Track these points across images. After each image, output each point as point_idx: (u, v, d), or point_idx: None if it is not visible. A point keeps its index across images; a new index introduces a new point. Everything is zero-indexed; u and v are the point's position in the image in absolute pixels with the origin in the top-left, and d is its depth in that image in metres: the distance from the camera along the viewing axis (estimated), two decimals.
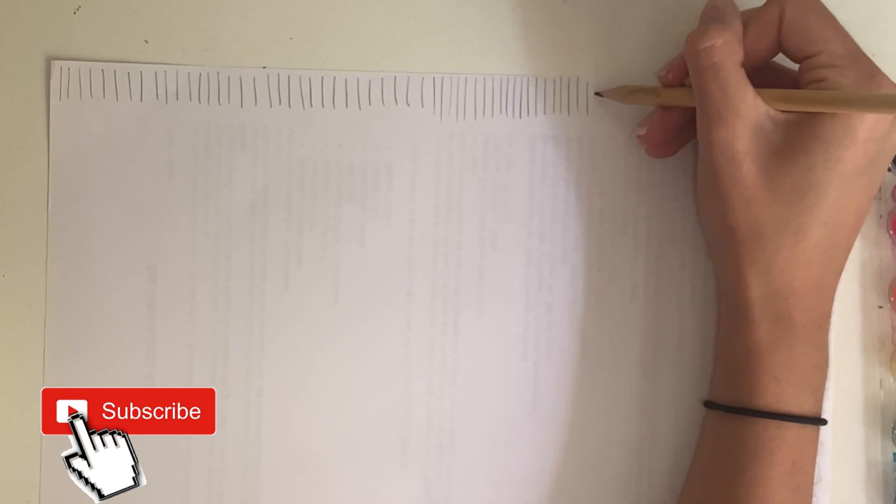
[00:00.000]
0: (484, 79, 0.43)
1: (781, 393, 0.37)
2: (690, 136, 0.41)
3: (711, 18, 0.38)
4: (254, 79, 0.43)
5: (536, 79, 0.43)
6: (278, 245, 0.42)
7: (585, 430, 0.42)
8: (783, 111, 0.37)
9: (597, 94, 0.43)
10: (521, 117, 0.43)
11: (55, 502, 0.42)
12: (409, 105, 0.43)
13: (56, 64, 0.42)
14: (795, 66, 0.39)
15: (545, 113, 0.43)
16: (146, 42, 0.43)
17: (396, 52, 0.43)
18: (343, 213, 0.42)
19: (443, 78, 0.43)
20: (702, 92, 0.37)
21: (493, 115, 0.43)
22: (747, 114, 0.36)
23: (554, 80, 0.43)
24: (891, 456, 0.42)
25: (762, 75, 0.38)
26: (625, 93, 0.42)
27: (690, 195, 0.43)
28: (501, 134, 0.43)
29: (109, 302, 0.42)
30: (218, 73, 0.42)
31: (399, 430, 0.42)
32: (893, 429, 0.42)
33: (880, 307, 0.42)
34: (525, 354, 0.43)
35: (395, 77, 0.43)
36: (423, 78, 0.43)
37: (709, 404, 0.40)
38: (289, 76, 0.43)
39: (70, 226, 0.42)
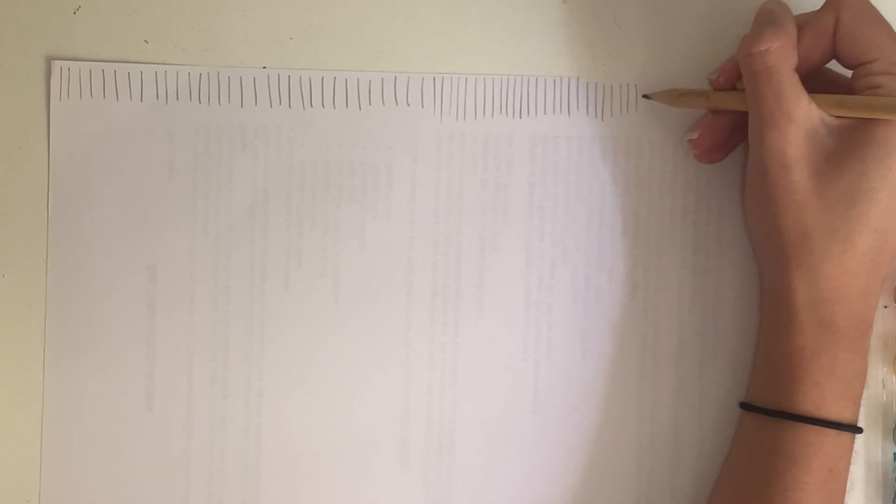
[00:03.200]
0: (484, 79, 0.43)
1: (822, 399, 0.37)
2: (740, 140, 0.41)
3: (766, 22, 0.38)
4: (254, 79, 0.42)
5: (536, 79, 0.43)
6: (278, 245, 0.42)
7: (585, 430, 0.42)
8: (837, 117, 0.37)
9: (644, 96, 0.42)
10: (521, 117, 0.43)
11: (55, 502, 0.42)
12: (409, 105, 0.43)
13: (56, 64, 0.42)
14: (848, 73, 0.39)
15: (545, 113, 0.43)
16: (146, 42, 0.43)
17: (396, 52, 0.43)
18: (343, 213, 0.42)
19: (443, 78, 0.43)
20: (755, 96, 0.37)
21: (493, 115, 0.43)
22: (800, 119, 0.36)
23: (554, 81, 0.43)
24: (891, 456, 0.42)
25: (814, 80, 0.38)
26: (674, 96, 0.41)
27: (690, 195, 0.43)
28: (501, 134, 0.43)
29: (109, 302, 0.42)
30: (218, 73, 0.42)
31: (399, 430, 0.42)
32: (895, 429, 0.42)
33: (885, 307, 0.42)
34: (525, 354, 0.43)
35: (395, 77, 0.43)
36: (423, 78, 0.43)
37: (746, 406, 0.39)
38: (289, 76, 0.43)
39: (70, 226, 0.42)
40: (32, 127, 0.42)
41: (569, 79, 0.43)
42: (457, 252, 0.43)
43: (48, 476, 0.42)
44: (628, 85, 0.43)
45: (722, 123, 0.40)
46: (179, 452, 0.42)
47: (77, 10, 0.43)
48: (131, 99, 0.42)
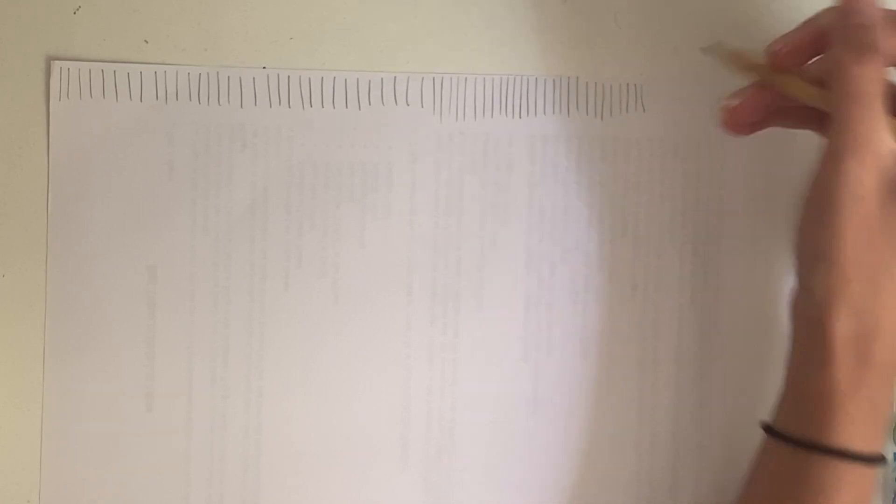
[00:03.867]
0: (484, 79, 0.43)
1: (855, 433, 0.36)
2: (776, 123, 0.40)
3: (866, 40, 0.36)
4: (254, 79, 0.43)
5: (536, 79, 0.43)
6: (278, 245, 0.42)
7: (585, 430, 0.42)
8: None
9: (702, 49, 0.40)
10: (521, 117, 0.43)
11: (55, 502, 0.42)
12: (408, 105, 0.43)
13: (56, 64, 0.42)
14: None
15: (545, 113, 0.43)
16: (146, 42, 0.43)
17: (396, 52, 0.43)
18: (343, 214, 0.42)
19: (443, 78, 0.43)
20: (844, 117, 0.35)
21: (493, 115, 0.43)
22: (882, 152, 0.35)
23: (554, 80, 0.43)
24: (892, 456, 0.42)
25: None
26: (739, 63, 0.39)
27: (690, 195, 0.43)
28: (501, 134, 0.43)
29: (109, 302, 0.42)
30: (218, 73, 0.42)
31: (399, 430, 0.42)
32: (894, 430, 0.42)
33: None
34: (525, 354, 0.43)
35: (395, 77, 0.43)
36: (422, 78, 0.43)
37: (772, 431, 0.38)
38: (289, 76, 0.43)
39: (70, 226, 0.42)
40: (32, 127, 0.42)
41: (569, 79, 0.43)
42: (457, 252, 0.43)
43: (48, 476, 0.42)
44: (628, 85, 0.43)
45: (764, 100, 0.39)
46: (179, 452, 0.42)
47: (77, 10, 0.43)
48: (131, 99, 0.42)
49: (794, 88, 0.38)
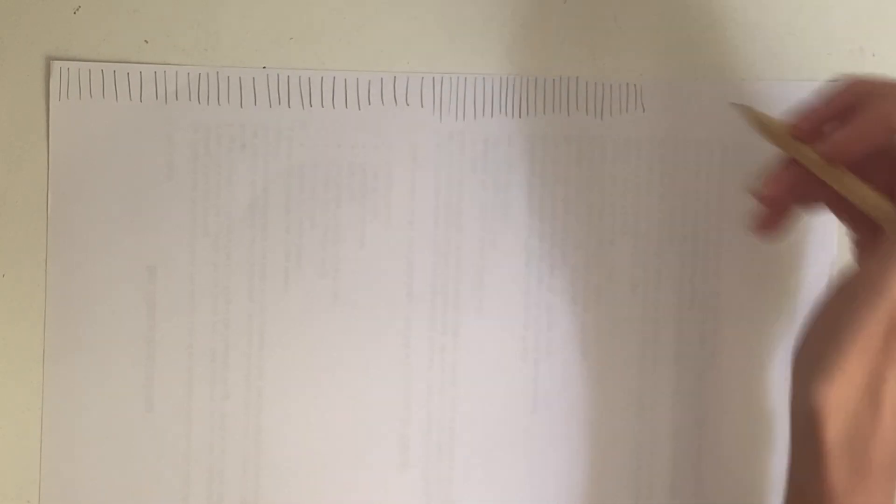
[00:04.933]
0: (484, 79, 0.43)
1: None
2: (807, 207, 0.39)
3: None
4: (253, 79, 0.42)
5: (536, 79, 0.43)
6: (278, 245, 0.42)
7: (585, 430, 0.42)
8: None
9: (731, 104, 0.41)
10: (520, 117, 0.43)
11: (55, 502, 0.42)
12: (408, 105, 0.43)
13: (56, 64, 0.42)
14: None
15: (545, 113, 0.43)
16: (146, 42, 0.43)
17: (396, 52, 0.43)
18: (343, 214, 0.42)
19: (443, 78, 0.43)
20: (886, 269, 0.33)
21: (492, 115, 0.43)
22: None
23: (554, 80, 0.43)
24: None
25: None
26: (763, 125, 0.38)
27: (690, 195, 0.43)
28: (501, 134, 0.43)
29: (109, 302, 0.42)
30: (218, 73, 0.42)
31: (399, 430, 0.42)
32: None
33: None
34: (525, 354, 0.43)
35: (395, 77, 0.43)
36: (422, 78, 0.43)
37: None
38: (288, 76, 0.43)
39: (70, 226, 0.42)
40: (32, 127, 0.42)
41: (569, 78, 0.43)
42: (457, 252, 0.43)
43: (48, 476, 0.42)
44: (628, 85, 0.43)
45: (798, 177, 0.37)
46: (179, 452, 0.42)
47: (77, 10, 0.43)
48: (131, 99, 0.42)
49: (848, 186, 0.36)
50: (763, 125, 0.38)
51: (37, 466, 0.42)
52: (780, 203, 0.38)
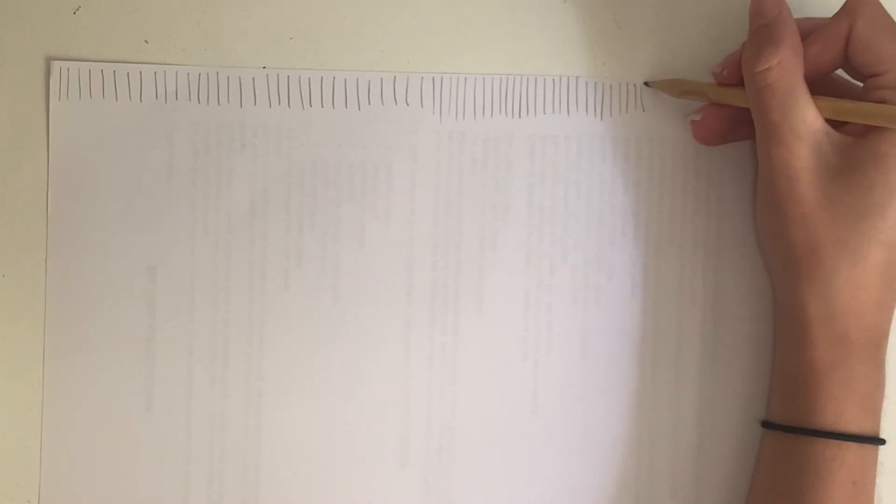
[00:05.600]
0: (484, 79, 0.43)
1: (841, 413, 0.37)
2: (746, 135, 0.41)
3: (764, 37, 0.37)
4: (253, 79, 0.43)
5: (536, 78, 0.43)
6: (278, 245, 0.42)
7: (585, 430, 0.42)
8: (841, 132, 0.37)
9: (646, 83, 0.42)
10: (520, 117, 0.43)
11: (55, 502, 0.42)
12: (408, 105, 0.43)
13: (56, 64, 0.42)
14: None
15: (545, 113, 0.43)
16: (146, 42, 0.43)
17: (396, 52, 0.43)
18: (343, 213, 0.42)
19: (442, 78, 0.43)
20: (760, 111, 0.37)
21: (492, 115, 0.43)
22: (805, 133, 0.36)
23: (554, 80, 0.43)
24: None
25: (822, 86, 0.38)
26: (675, 87, 0.41)
27: (690, 195, 0.43)
28: (501, 134, 0.43)
29: (109, 302, 0.42)
30: (218, 73, 0.42)
31: (399, 430, 0.42)
32: None
33: None
34: (525, 354, 0.43)
35: (395, 77, 0.43)
36: (422, 78, 0.43)
37: (766, 424, 0.39)
38: (288, 76, 0.43)
39: (70, 226, 0.42)
40: (32, 127, 0.42)
41: (569, 78, 0.43)
42: (456, 252, 0.43)
43: (48, 476, 0.42)
44: (628, 84, 0.43)
45: (723, 113, 0.40)
46: (179, 452, 0.42)
47: (77, 10, 0.43)
48: (131, 99, 0.42)
49: (735, 96, 0.39)
50: (686, 90, 0.41)
51: (37, 466, 0.42)
52: (712, 138, 0.41)
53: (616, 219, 0.43)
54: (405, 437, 0.42)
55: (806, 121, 0.36)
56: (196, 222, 0.42)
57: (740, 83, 0.39)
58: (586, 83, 0.43)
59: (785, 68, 0.36)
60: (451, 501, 0.42)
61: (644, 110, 0.43)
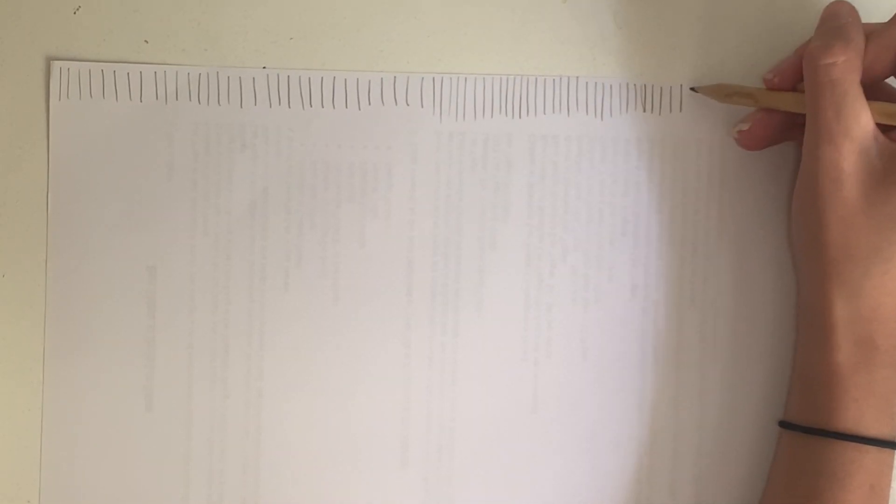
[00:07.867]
0: (483, 79, 0.43)
1: (861, 416, 0.37)
2: (792, 137, 0.41)
3: (835, 33, 0.37)
4: (254, 79, 0.43)
5: (536, 79, 0.43)
6: (278, 245, 0.42)
7: (585, 430, 0.42)
8: (888, 135, 0.37)
9: (692, 89, 0.42)
10: (520, 117, 0.43)
11: (55, 502, 0.42)
12: (408, 105, 0.43)
13: (56, 64, 0.42)
14: None
15: (545, 113, 0.43)
16: (146, 42, 0.43)
17: (396, 52, 0.43)
18: (343, 214, 0.42)
19: (442, 78, 0.43)
20: (815, 107, 0.37)
21: (492, 115, 0.43)
22: (858, 135, 0.36)
23: (554, 80, 0.43)
24: None
25: (873, 94, 0.38)
26: (722, 93, 0.41)
27: (690, 195, 0.43)
28: (501, 134, 0.43)
29: (109, 302, 0.42)
30: (218, 73, 0.42)
31: (399, 430, 0.42)
32: None
33: None
34: (525, 354, 0.43)
35: (395, 77, 0.43)
36: (422, 78, 0.43)
37: (785, 424, 0.39)
38: (288, 76, 0.43)
39: (70, 226, 0.42)
40: (32, 127, 0.42)
41: (568, 79, 0.43)
42: (456, 252, 0.43)
43: (48, 476, 0.42)
44: (628, 85, 0.43)
45: (773, 120, 0.40)
46: (179, 452, 0.42)
47: (77, 10, 0.43)
48: (131, 99, 0.42)
49: (787, 102, 0.39)
50: (733, 95, 0.41)
51: (37, 466, 0.42)
52: (758, 145, 0.41)
53: (616, 219, 0.43)
54: (405, 437, 0.42)
55: (860, 122, 0.36)
56: (196, 222, 0.42)
57: (790, 90, 0.39)
58: (586, 83, 0.43)
59: (848, 67, 0.36)
60: (451, 501, 0.42)
61: (644, 110, 0.43)
